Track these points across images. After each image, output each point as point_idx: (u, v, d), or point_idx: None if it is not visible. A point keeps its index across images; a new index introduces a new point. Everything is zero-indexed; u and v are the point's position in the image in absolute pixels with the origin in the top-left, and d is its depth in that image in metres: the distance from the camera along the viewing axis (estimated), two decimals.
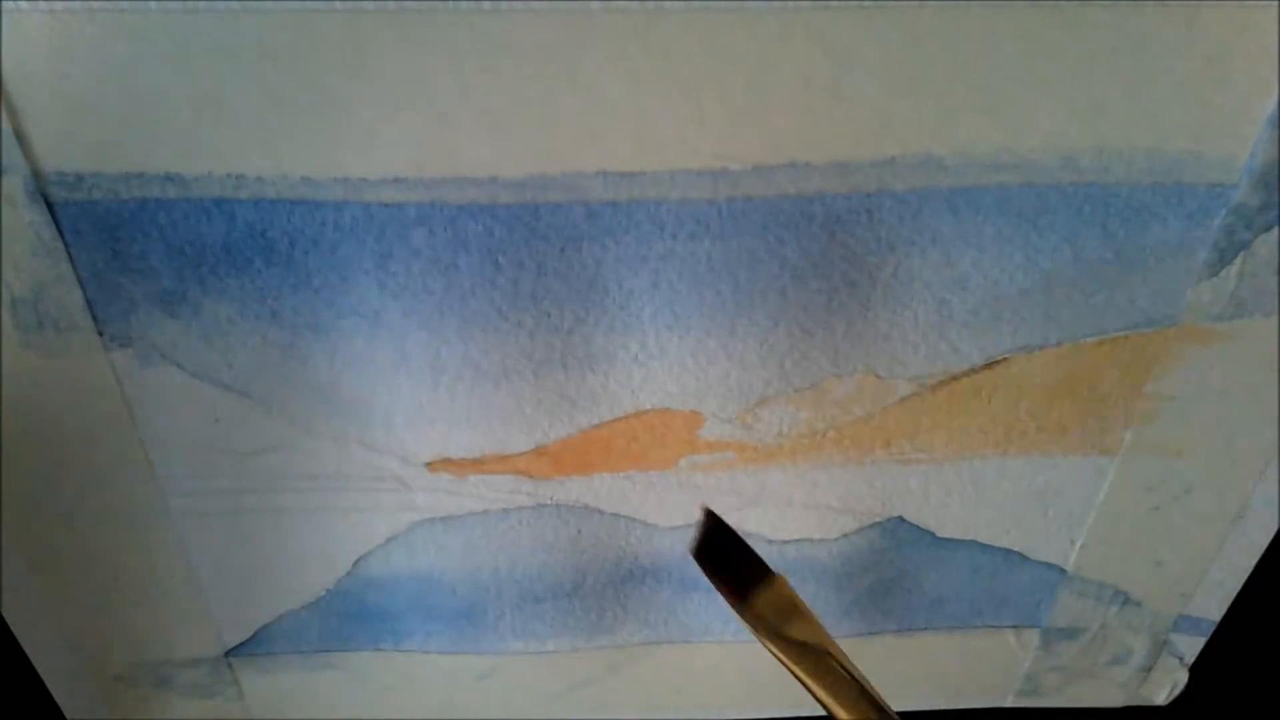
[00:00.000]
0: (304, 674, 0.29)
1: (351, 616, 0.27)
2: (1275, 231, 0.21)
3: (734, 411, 0.24)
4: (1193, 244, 0.21)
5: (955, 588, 0.28)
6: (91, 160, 0.19)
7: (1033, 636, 0.30)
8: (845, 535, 0.27)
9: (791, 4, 0.18)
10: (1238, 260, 0.21)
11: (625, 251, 0.21)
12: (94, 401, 0.22)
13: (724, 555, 0.21)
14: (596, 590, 0.28)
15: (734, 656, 0.30)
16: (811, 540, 0.27)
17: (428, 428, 0.23)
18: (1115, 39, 0.18)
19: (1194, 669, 0.31)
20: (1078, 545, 0.27)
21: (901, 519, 0.26)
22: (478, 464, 0.24)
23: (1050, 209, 0.21)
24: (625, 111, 0.19)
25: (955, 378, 0.23)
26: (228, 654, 0.28)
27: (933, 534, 0.27)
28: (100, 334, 0.21)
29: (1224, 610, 0.29)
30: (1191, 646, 0.30)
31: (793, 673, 0.19)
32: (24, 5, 0.17)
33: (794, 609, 0.20)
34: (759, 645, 0.29)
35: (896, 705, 0.32)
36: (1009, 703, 0.32)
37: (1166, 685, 0.31)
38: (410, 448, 0.24)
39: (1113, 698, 0.32)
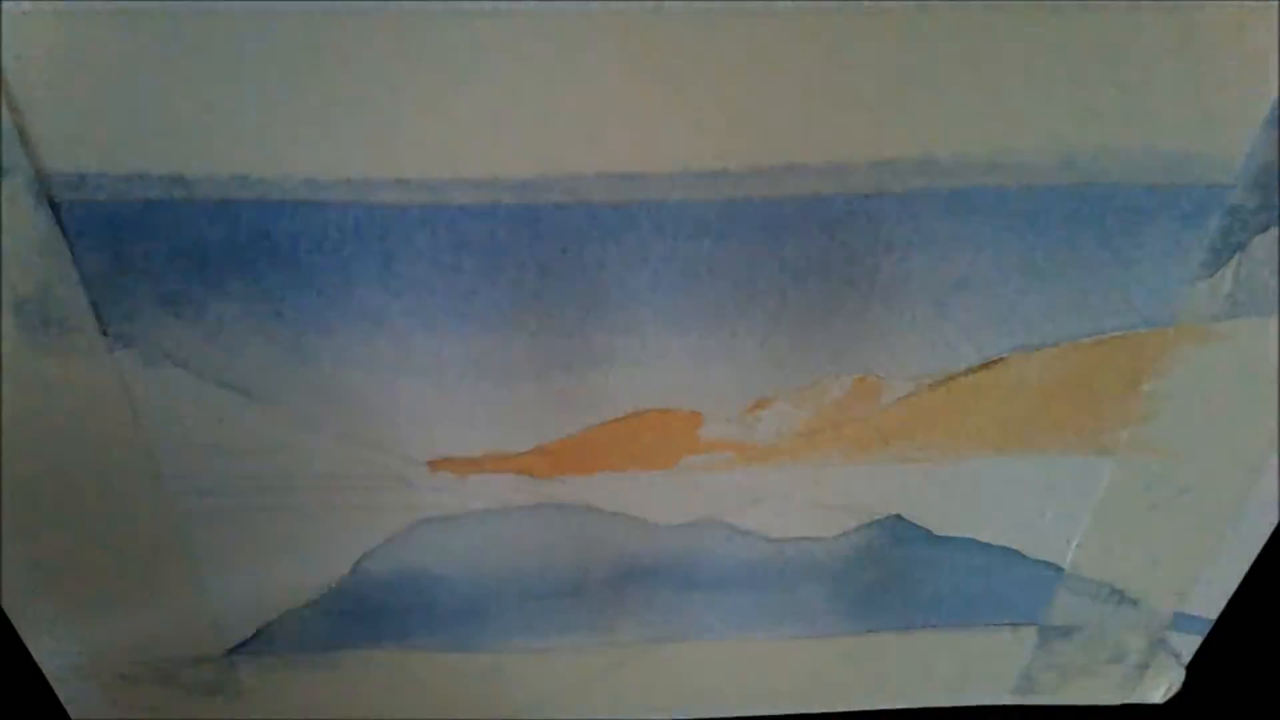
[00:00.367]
0: (305, 673, 0.29)
1: (353, 615, 0.27)
2: (1272, 232, 0.21)
3: (734, 411, 0.24)
4: (1189, 244, 0.21)
5: (953, 586, 0.28)
6: (95, 161, 0.19)
7: (1030, 634, 0.30)
8: (844, 534, 0.27)
9: (791, 4, 0.18)
10: (1234, 261, 0.22)
11: (626, 252, 0.21)
12: (98, 401, 0.22)
13: None
14: (597, 589, 0.28)
15: (734, 656, 0.30)
16: (811, 539, 0.27)
17: (429, 427, 0.23)
18: (1113, 40, 0.18)
19: (1191, 667, 0.31)
20: (1075, 544, 0.27)
21: (900, 518, 0.26)
22: (479, 463, 0.24)
23: (1047, 209, 0.21)
24: (625, 112, 0.19)
25: (954, 378, 0.23)
26: (230, 652, 0.28)
27: (931, 532, 0.27)
28: (104, 334, 0.21)
29: (1221, 609, 0.29)
30: (1188, 645, 0.30)
31: None
32: (26, 5, 0.17)
33: None
34: (758, 643, 0.30)
35: (895, 704, 0.32)
36: (1006, 700, 0.32)
37: (1163, 683, 0.31)
38: (412, 447, 0.24)
39: (1110, 696, 0.32)
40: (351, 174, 0.19)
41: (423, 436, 0.24)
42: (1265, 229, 0.21)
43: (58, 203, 0.19)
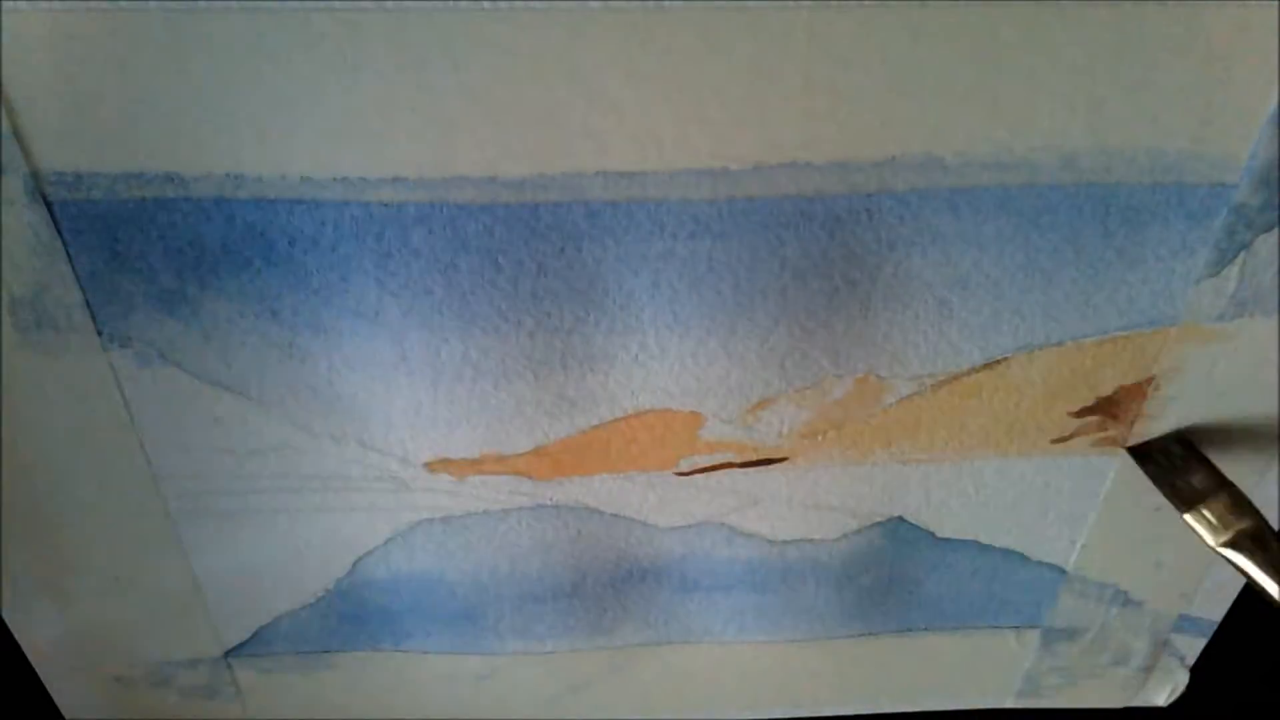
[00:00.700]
0: (303, 674, 0.29)
1: (351, 617, 0.27)
2: (1276, 231, 0.21)
3: (734, 412, 0.24)
4: (1193, 244, 0.21)
5: (956, 588, 0.28)
6: (91, 160, 0.19)
7: (1033, 637, 0.30)
8: (846, 535, 0.27)
9: (791, 4, 0.18)
10: (1238, 260, 0.21)
11: (625, 251, 0.21)
12: (93, 401, 0.22)
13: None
14: (596, 591, 0.28)
15: (734, 657, 0.30)
16: (812, 540, 0.27)
17: (427, 428, 0.23)
18: (1115, 39, 0.18)
19: (1194, 670, 0.31)
20: (1078, 545, 0.27)
21: (902, 519, 0.26)
22: (477, 464, 0.24)
23: (1051, 209, 0.20)
24: (625, 111, 0.19)
25: (955, 378, 0.23)
26: (227, 654, 0.28)
27: (933, 534, 0.27)
28: (99, 334, 0.21)
29: (1224, 611, 0.29)
30: (1192, 647, 0.30)
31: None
32: (23, 5, 0.17)
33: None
34: (759, 645, 0.29)
35: (896, 707, 0.32)
36: (1009, 703, 0.32)
37: (1167, 686, 0.31)
38: (410, 448, 0.24)
39: (1113, 698, 0.32)
40: (348, 172, 0.19)
41: (420, 437, 0.23)
42: (1269, 228, 0.21)
43: (52, 202, 0.19)
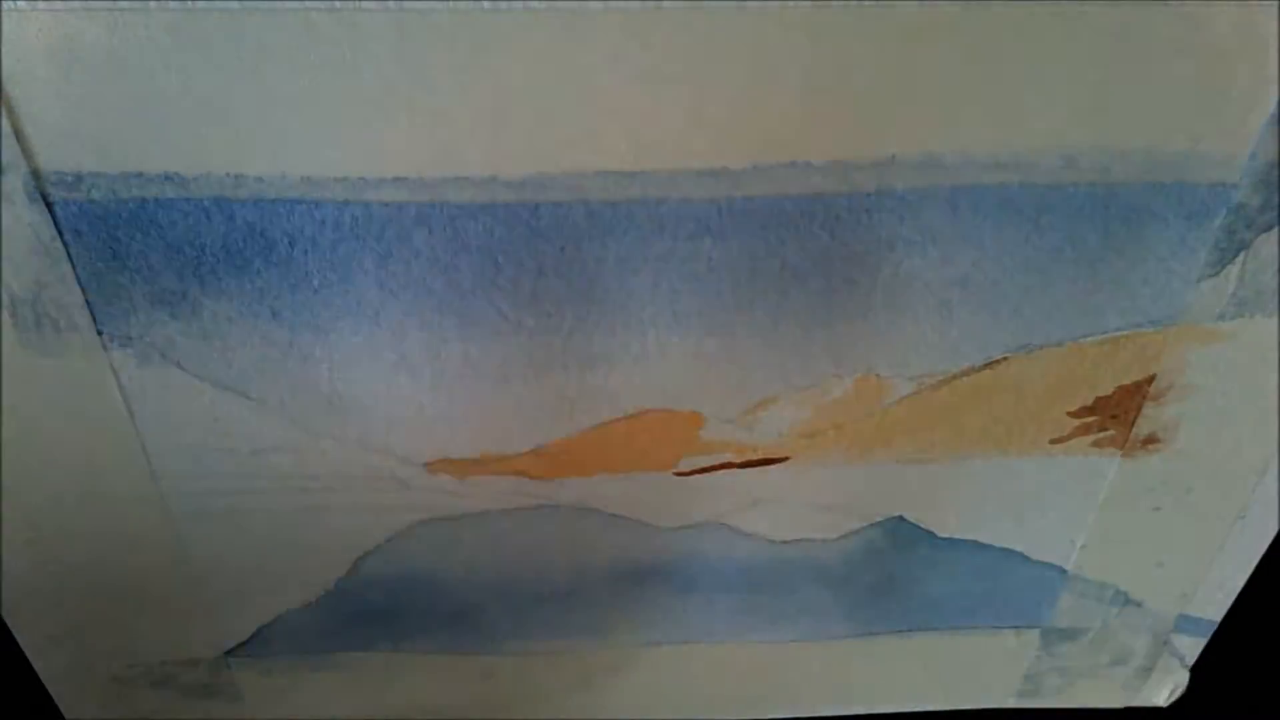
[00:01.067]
0: (303, 674, 0.29)
1: (351, 617, 0.27)
2: (1276, 231, 0.21)
3: (734, 412, 0.24)
4: (1193, 243, 0.21)
5: (956, 588, 0.28)
6: (91, 159, 0.19)
7: (1033, 637, 0.30)
8: (846, 535, 0.27)
9: (791, 4, 0.18)
10: (1238, 260, 0.21)
11: (625, 251, 0.21)
12: (93, 401, 0.22)
13: None
14: (596, 591, 0.27)
15: (734, 657, 0.30)
16: (812, 540, 0.27)
17: (427, 428, 0.23)
18: (1115, 38, 0.18)
19: (1195, 670, 0.31)
20: (1078, 545, 0.27)
21: (902, 519, 0.26)
22: (477, 464, 0.24)
23: (1051, 208, 0.20)
24: (625, 111, 0.19)
25: (955, 377, 0.23)
26: (227, 654, 0.28)
27: (933, 534, 0.27)
28: (99, 334, 0.21)
29: (1225, 611, 0.29)
30: (1192, 647, 0.30)
31: None
32: (23, 5, 0.17)
33: None
34: (759, 645, 0.29)
35: (896, 706, 0.32)
36: (1010, 704, 0.32)
37: (1167, 686, 0.31)
38: (410, 448, 0.24)
39: (1114, 698, 0.32)
40: (348, 172, 0.19)
41: (420, 437, 0.23)
42: (1269, 228, 0.21)
43: (53, 201, 0.19)
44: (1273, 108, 0.19)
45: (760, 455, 0.25)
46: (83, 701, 0.28)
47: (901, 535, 0.27)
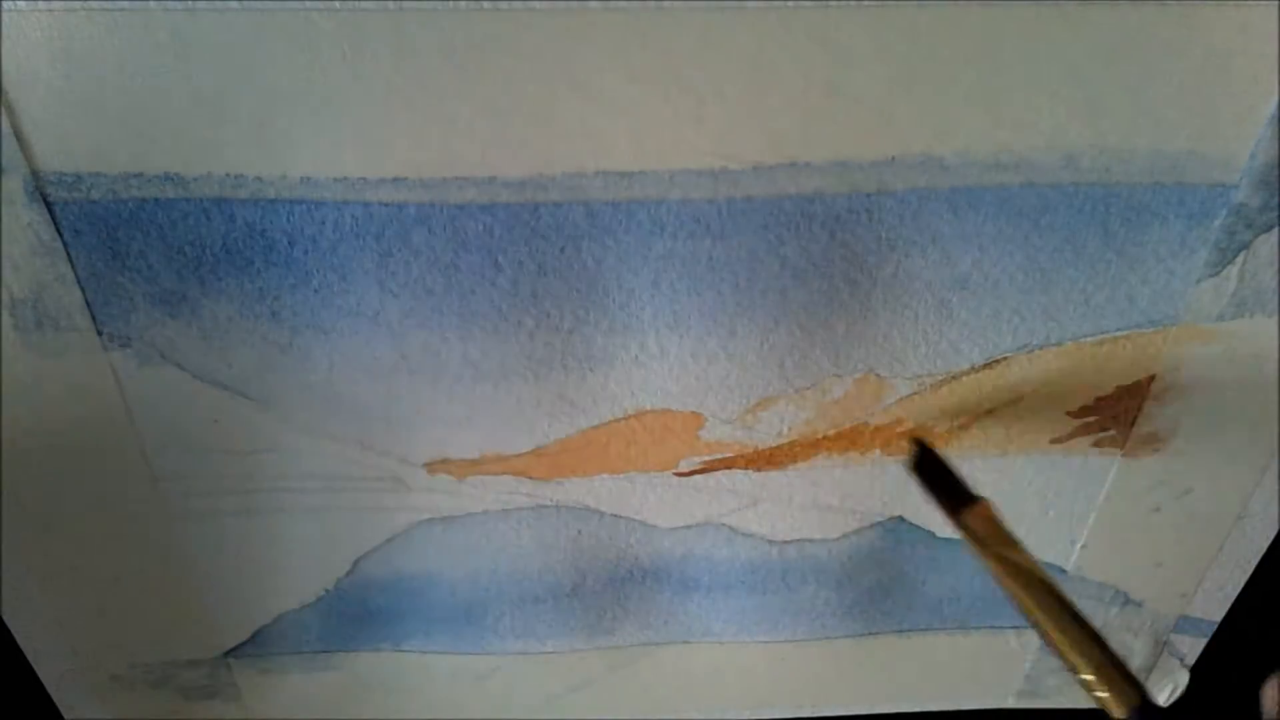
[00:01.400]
0: (303, 675, 0.29)
1: (350, 617, 0.27)
2: (1276, 231, 0.21)
3: (734, 412, 0.24)
4: (1193, 244, 0.21)
5: (956, 588, 0.28)
6: (91, 160, 0.19)
7: (1034, 637, 0.30)
8: (846, 535, 0.27)
9: (791, 4, 0.18)
10: (1238, 260, 0.21)
11: (625, 251, 0.21)
12: (93, 401, 0.22)
13: (935, 477, 0.23)
14: (596, 591, 0.27)
15: (734, 657, 0.30)
16: (812, 540, 0.27)
17: (427, 428, 0.23)
18: (1116, 39, 0.18)
19: (1195, 670, 0.31)
20: (1078, 545, 0.27)
21: (902, 519, 0.26)
22: (477, 464, 0.24)
23: (1051, 209, 0.20)
24: (625, 111, 0.19)
25: (955, 377, 0.23)
26: (226, 655, 0.28)
27: (933, 534, 0.27)
28: (99, 334, 0.21)
29: (1224, 611, 0.29)
30: (1192, 647, 0.30)
31: (1004, 586, 0.21)
32: (23, 5, 0.17)
33: (1001, 530, 0.21)
34: (759, 645, 0.29)
35: (897, 707, 0.32)
36: (1010, 704, 0.32)
37: (1167, 686, 0.31)
38: (409, 448, 0.24)
39: None
40: (348, 172, 0.19)
41: (420, 438, 0.23)
42: (1269, 228, 0.21)
43: (53, 202, 0.19)
44: (1273, 108, 0.19)
45: (760, 456, 0.25)
46: (83, 701, 0.28)
47: (901, 535, 0.27)
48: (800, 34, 0.18)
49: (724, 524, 0.26)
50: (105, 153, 0.19)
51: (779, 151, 0.19)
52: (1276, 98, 0.19)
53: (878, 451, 0.25)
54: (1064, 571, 0.28)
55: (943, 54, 0.18)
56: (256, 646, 0.28)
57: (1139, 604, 0.29)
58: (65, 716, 0.29)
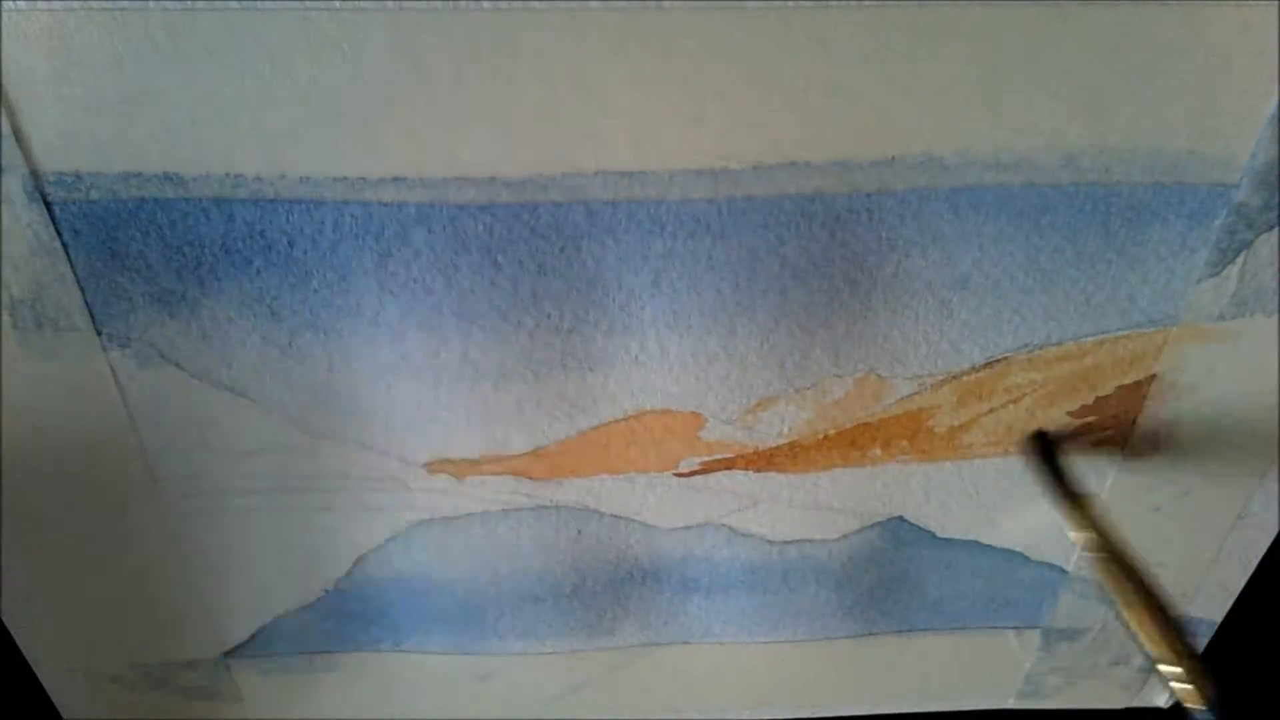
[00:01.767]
0: (302, 675, 0.29)
1: (350, 617, 0.27)
2: (1276, 231, 0.21)
3: (735, 412, 0.24)
4: (1194, 243, 0.21)
5: (956, 588, 0.28)
6: (90, 160, 0.19)
7: (1034, 637, 0.30)
8: (846, 535, 0.27)
9: (791, 4, 0.18)
10: (1239, 260, 0.21)
11: (625, 251, 0.21)
12: (92, 402, 0.22)
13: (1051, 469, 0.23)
14: (596, 592, 0.27)
15: (734, 657, 0.30)
16: (812, 540, 0.27)
17: (426, 428, 0.23)
18: (1116, 38, 0.18)
19: None
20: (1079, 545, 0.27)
21: (902, 519, 0.26)
22: (477, 465, 0.24)
23: (1051, 208, 0.20)
24: (625, 111, 0.19)
25: (955, 377, 0.23)
26: (226, 655, 0.28)
27: (933, 534, 0.27)
28: (99, 334, 0.21)
29: (1225, 611, 0.29)
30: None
31: (1100, 575, 0.21)
32: (23, 5, 0.17)
33: (1105, 523, 0.22)
34: (759, 645, 0.29)
35: (897, 708, 0.32)
36: (1010, 704, 0.32)
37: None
38: (409, 448, 0.24)
39: (1114, 699, 0.32)
40: (348, 172, 0.19)
41: (420, 438, 0.23)
42: (1270, 228, 0.21)
43: (52, 202, 0.19)
44: (1273, 108, 0.19)
45: (760, 456, 0.25)
46: (82, 702, 0.28)
47: (901, 535, 0.27)
48: (800, 34, 0.18)
49: (724, 524, 0.26)
50: (104, 152, 0.19)
51: (779, 151, 0.19)
52: (1277, 98, 0.19)
53: (878, 451, 0.25)
54: (1064, 571, 0.28)
55: (943, 54, 0.18)
56: (256, 646, 0.28)
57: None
58: (65, 716, 0.28)
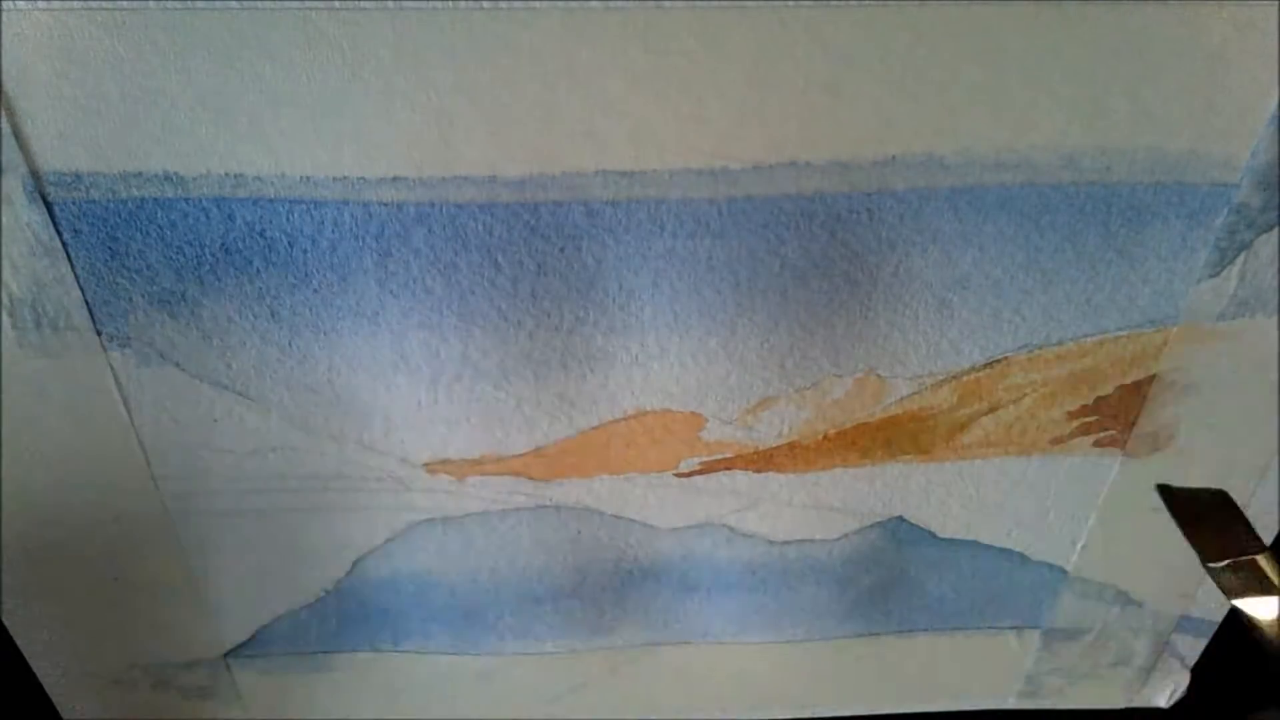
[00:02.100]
0: (303, 675, 0.29)
1: (350, 617, 0.27)
2: (1276, 231, 0.21)
3: (735, 412, 0.24)
4: (1194, 244, 0.21)
5: (956, 588, 0.28)
6: (90, 160, 0.19)
7: (1034, 637, 0.30)
8: (846, 535, 0.27)
9: (791, 4, 0.18)
10: (1239, 260, 0.21)
11: (625, 250, 0.21)
12: (92, 402, 0.22)
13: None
14: (596, 592, 0.27)
15: (734, 657, 0.30)
16: (812, 540, 0.27)
17: (426, 428, 0.23)
18: (1116, 39, 0.18)
19: (1195, 670, 0.31)
20: (1079, 546, 0.27)
21: (902, 519, 0.26)
22: (476, 465, 0.24)
23: (1052, 208, 0.20)
24: (625, 111, 0.19)
25: (955, 377, 0.23)
26: (226, 655, 0.28)
27: (933, 534, 0.27)
28: (99, 334, 0.21)
29: (1225, 611, 0.29)
30: (1192, 647, 0.30)
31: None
32: (23, 5, 0.17)
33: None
34: (759, 645, 0.29)
35: (897, 708, 0.32)
36: (1010, 704, 0.32)
37: (1168, 687, 0.31)
38: (409, 448, 0.24)
39: (1114, 699, 0.32)
40: (348, 172, 0.19)
41: (420, 437, 0.23)
42: (1270, 228, 0.21)
43: (52, 202, 0.19)
44: (1273, 108, 0.19)
45: (760, 456, 0.25)
46: (83, 702, 0.28)
47: (901, 535, 0.27)
48: (800, 34, 0.18)
49: (724, 524, 0.26)
50: (105, 152, 0.19)
51: (779, 151, 0.19)
52: (1277, 98, 0.19)
53: (878, 451, 0.25)
54: (1064, 571, 0.28)
55: (943, 54, 0.18)
56: (256, 646, 0.28)
57: (1139, 604, 0.29)
58: (65, 717, 0.28)
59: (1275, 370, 0.23)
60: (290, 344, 0.22)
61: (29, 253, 0.20)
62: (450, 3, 0.17)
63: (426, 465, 0.24)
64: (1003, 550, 0.27)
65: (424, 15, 0.17)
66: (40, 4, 0.17)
